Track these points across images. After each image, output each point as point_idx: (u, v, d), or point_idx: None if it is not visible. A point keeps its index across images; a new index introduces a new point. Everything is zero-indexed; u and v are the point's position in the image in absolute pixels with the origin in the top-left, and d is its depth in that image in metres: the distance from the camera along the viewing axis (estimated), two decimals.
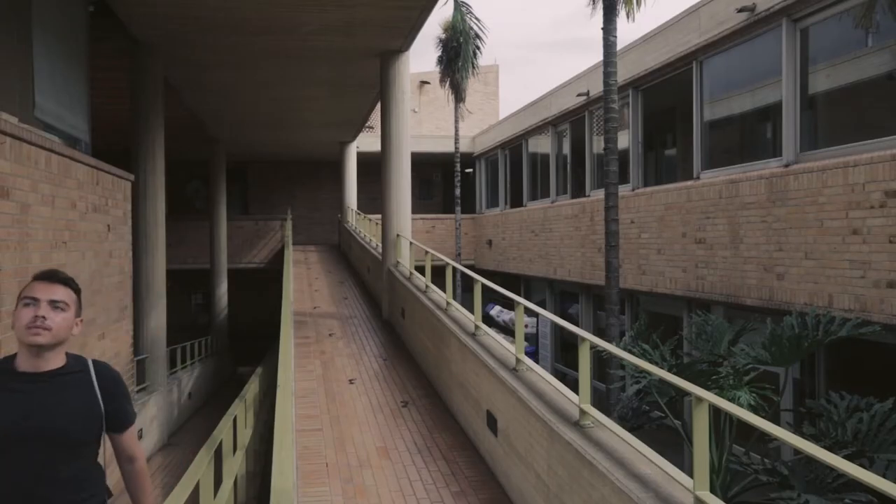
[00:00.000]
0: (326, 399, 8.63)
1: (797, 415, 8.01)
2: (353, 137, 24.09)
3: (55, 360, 2.50)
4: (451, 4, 19.92)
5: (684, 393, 5.47)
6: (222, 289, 24.15)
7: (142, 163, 12.72)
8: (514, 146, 20.14)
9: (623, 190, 12.25)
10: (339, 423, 7.72)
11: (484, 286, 7.94)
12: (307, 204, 28.55)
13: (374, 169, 19.58)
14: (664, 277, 11.06)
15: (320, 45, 13.05)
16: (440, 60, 20.47)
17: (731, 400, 6.23)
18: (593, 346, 5.21)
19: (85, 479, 2.53)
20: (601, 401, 10.53)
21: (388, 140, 13.57)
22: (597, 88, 13.05)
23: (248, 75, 15.25)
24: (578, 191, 15.65)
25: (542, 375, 6.03)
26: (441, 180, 28.85)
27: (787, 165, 8.61)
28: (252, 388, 8.72)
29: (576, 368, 5.32)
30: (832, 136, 8.54)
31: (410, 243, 12.93)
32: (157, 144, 12.97)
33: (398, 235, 13.35)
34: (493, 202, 22.39)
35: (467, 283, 18.55)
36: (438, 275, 11.21)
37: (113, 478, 2.75)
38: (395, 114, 13.51)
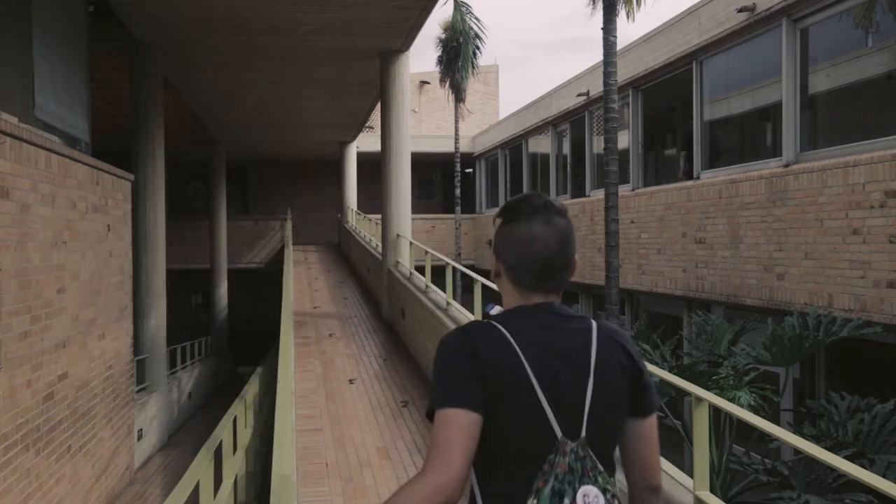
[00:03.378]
0: (326, 399, 8.62)
1: (797, 415, 8.01)
2: (353, 137, 24.08)
3: None
4: (451, 4, 19.92)
5: (684, 393, 5.46)
6: (222, 289, 24.14)
7: (142, 163, 12.71)
8: (513, 146, 20.14)
9: (623, 190, 12.24)
10: (339, 423, 7.71)
11: (484, 286, 7.94)
12: (307, 204, 28.50)
13: (374, 169, 19.59)
14: (664, 277, 11.05)
15: (320, 45, 13.04)
16: (440, 60, 20.46)
17: (732, 400, 6.22)
18: None
19: None
20: None
21: (388, 140, 13.57)
22: (597, 88, 13.04)
23: (248, 75, 15.25)
24: (578, 191, 15.65)
25: None
26: (441, 180, 28.85)
27: (786, 165, 8.60)
28: (252, 388, 8.71)
29: None
30: (832, 136, 8.54)
31: (410, 243, 12.93)
32: (157, 144, 12.96)
33: (398, 235, 13.34)
34: (492, 202, 22.37)
35: (467, 283, 18.55)
36: (438, 275, 11.21)
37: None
38: (395, 114, 13.51)
